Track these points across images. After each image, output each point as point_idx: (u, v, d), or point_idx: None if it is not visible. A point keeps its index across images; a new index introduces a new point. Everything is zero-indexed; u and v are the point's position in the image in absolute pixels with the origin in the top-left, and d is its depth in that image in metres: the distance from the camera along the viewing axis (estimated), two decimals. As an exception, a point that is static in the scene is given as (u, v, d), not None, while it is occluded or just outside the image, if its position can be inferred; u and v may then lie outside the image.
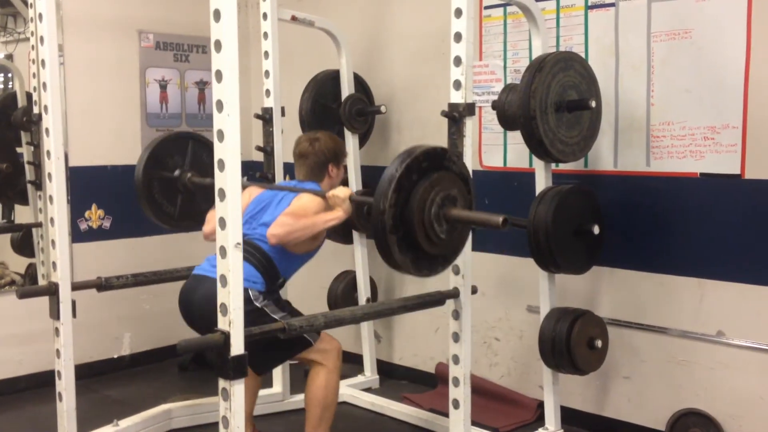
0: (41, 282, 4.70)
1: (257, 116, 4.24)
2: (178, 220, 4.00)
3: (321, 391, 3.36)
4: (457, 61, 3.19)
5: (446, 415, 3.49)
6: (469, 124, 3.19)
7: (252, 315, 3.10)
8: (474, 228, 2.97)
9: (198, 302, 3.18)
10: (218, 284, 2.45)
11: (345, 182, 4.58)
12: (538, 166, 3.64)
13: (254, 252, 3.28)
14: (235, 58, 2.36)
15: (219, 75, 2.36)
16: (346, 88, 4.50)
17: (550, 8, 3.97)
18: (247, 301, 3.12)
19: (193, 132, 4.02)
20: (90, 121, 4.81)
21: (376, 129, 4.73)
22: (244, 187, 3.49)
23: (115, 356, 5.02)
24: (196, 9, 4.77)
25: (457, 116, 3.19)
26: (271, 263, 3.31)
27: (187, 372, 4.98)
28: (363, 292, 4.61)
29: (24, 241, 4.89)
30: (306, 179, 3.56)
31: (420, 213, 2.63)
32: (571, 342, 3.48)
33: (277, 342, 3.18)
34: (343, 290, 4.68)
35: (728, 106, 3.43)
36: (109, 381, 4.82)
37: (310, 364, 3.42)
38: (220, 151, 2.40)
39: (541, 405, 3.95)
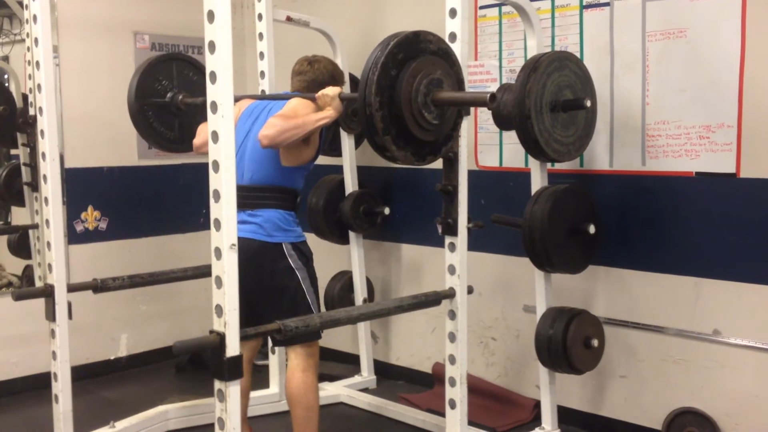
0: (38, 284, 4.69)
1: (253, 117, 4.23)
2: (180, 142, 3.98)
3: (300, 391, 3.30)
4: (452, 61, 3.19)
5: (443, 415, 3.49)
6: (465, 124, 3.19)
7: (284, 273, 3.26)
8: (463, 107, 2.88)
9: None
10: (213, 286, 2.44)
11: (341, 184, 4.59)
12: (534, 165, 3.64)
13: (266, 193, 3.29)
14: (229, 59, 2.36)
15: (213, 76, 2.36)
16: (346, 88, 4.50)
17: (545, 8, 3.97)
18: (281, 256, 3.28)
19: (175, 53, 3.95)
20: (85, 123, 4.81)
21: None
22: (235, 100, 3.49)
23: (112, 358, 5.02)
24: (191, 10, 4.75)
25: (452, 116, 3.18)
26: (284, 189, 3.33)
27: (184, 373, 4.98)
28: (359, 293, 4.61)
29: (20, 243, 4.89)
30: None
31: (408, 106, 2.57)
32: (568, 341, 3.48)
33: (298, 307, 3.26)
34: (339, 291, 4.68)
35: (723, 105, 3.44)
36: (105, 382, 4.81)
37: (291, 352, 3.36)
38: (214, 152, 2.39)
39: (537, 404, 3.96)
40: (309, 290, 3.35)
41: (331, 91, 3.21)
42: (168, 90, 3.85)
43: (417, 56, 2.62)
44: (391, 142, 2.59)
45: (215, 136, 2.38)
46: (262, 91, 4.18)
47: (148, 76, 3.84)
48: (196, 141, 3.52)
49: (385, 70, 2.52)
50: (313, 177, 4.75)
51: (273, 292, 3.31)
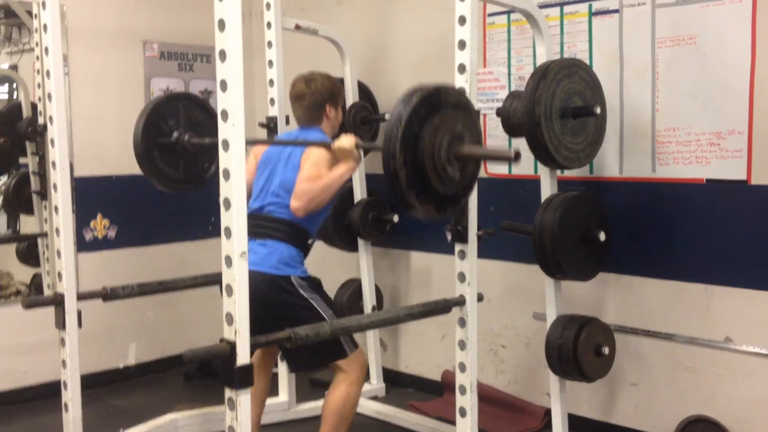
0: (47, 292, 4.70)
1: (261, 125, 4.24)
2: (184, 183, 3.96)
3: (340, 402, 3.33)
4: (462, 68, 3.19)
5: (453, 423, 3.48)
6: (474, 132, 3.18)
7: (300, 307, 3.22)
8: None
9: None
10: (224, 294, 2.44)
11: (349, 191, 4.59)
12: (544, 172, 3.63)
13: (278, 225, 3.28)
14: (239, 67, 2.36)
15: (224, 84, 2.36)
16: (351, 96, 4.51)
17: (554, 15, 3.97)
18: (292, 289, 3.25)
19: (182, 92, 3.94)
20: (95, 131, 4.82)
21: (381, 137, 4.72)
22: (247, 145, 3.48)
23: (121, 366, 5.02)
24: (200, 19, 4.78)
25: (461, 123, 3.18)
26: (298, 229, 3.32)
27: (193, 381, 4.97)
28: (368, 300, 4.60)
29: (29, 251, 4.89)
30: (305, 122, 3.53)
31: (431, 162, 2.56)
32: (578, 349, 3.46)
33: (317, 346, 3.17)
34: (348, 298, 4.67)
35: (733, 111, 3.42)
36: (115, 391, 4.81)
37: (335, 370, 3.39)
38: (224, 160, 2.39)
39: (548, 412, 3.94)
40: (327, 314, 3.31)
41: (347, 143, 3.18)
42: (174, 129, 3.86)
43: (438, 110, 2.64)
44: (415, 198, 2.61)
45: (226, 144, 2.38)
46: (271, 100, 4.18)
47: (155, 116, 3.82)
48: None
49: (409, 126, 2.55)
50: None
51: (287, 320, 3.29)
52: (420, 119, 2.56)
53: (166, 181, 3.89)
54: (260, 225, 3.27)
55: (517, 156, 2.51)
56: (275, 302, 3.23)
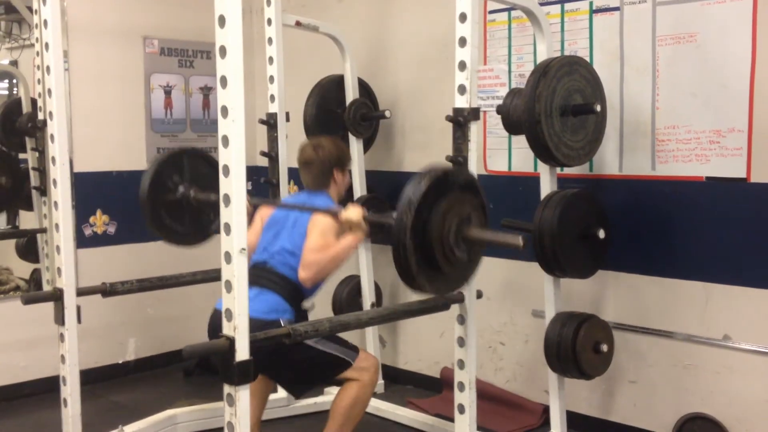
0: (46, 287, 4.70)
1: (262, 121, 4.24)
2: (191, 237, 3.99)
3: (349, 402, 3.34)
4: (462, 65, 3.19)
5: (452, 420, 3.48)
6: (474, 129, 3.18)
7: (287, 347, 3.11)
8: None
9: None
10: (223, 290, 2.44)
11: (349, 188, 4.58)
12: (543, 170, 3.63)
13: (276, 279, 3.27)
14: (239, 63, 2.36)
15: (224, 81, 2.36)
16: (351, 93, 4.51)
17: (555, 12, 3.97)
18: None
19: (185, 148, 3.99)
20: (95, 127, 4.82)
21: (381, 134, 4.73)
22: (254, 209, 3.53)
23: (120, 361, 5.03)
24: (200, 15, 4.78)
25: (461, 121, 3.19)
26: (294, 287, 3.30)
27: (192, 377, 4.98)
28: (368, 297, 4.60)
29: (29, 247, 4.90)
30: (312, 187, 3.54)
31: (440, 245, 2.65)
32: (577, 346, 3.47)
33: (316, 366, 3.27)
34: (347, 295, 4.67)
35: (734, 109, 3.43)
36: (114, 386, 4.82)
37: (346, 380, 3.41)
38: (224, 156, 2.39)
39: (546, 409, 3.94)
40: (323, 342, 3.30)
41: (355, 216, 3.16)
42: (179, 184, 3.88)
43: (446, 193, 2.69)
44: (426, 281, 2.69)
45: (225, 140, 2.38)
46: (271, 96, 4.18)
47: (160, 174, 3.85)
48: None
49: (418, 213, 2.61)
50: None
51: (286, 363, 3.32)
52: (429, 204, 2.63)
53: (173, 235, 3.91)
54: (259, 275, 3.27)
55: (526, 243, 2.61)
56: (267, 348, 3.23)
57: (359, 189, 4.57)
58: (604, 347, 3.55)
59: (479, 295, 3.35)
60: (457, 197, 2.71)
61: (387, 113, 4.53)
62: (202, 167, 3.91)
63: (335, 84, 4.55)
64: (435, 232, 2.63)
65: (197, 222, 3.94)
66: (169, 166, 3.88)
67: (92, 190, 4.82)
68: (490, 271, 4.14)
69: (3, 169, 4.80)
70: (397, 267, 2.67)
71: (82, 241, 4.76)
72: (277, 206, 3.59)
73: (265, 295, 3.21)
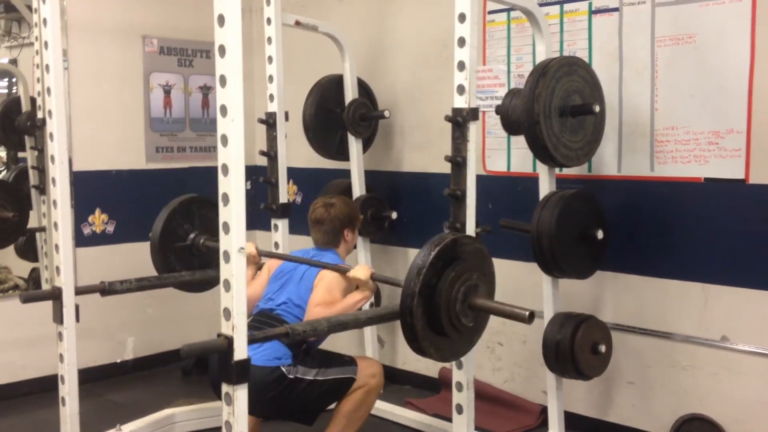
0: (45, 286, 4.70)
1: (261, 121, 4.24)
2: (198, 285, 4.03)
3: (353, 406, 3.38)
4: (461, 65, 3.19)
5: (450, 420, 3.48)
6: (473, 129, 3.18)
7: (290, 388, 3.25)
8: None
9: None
10: (221, 289, 2.44)
11: (348, 187, 4.59)
12: (542, 170, 3.63)
13: (278, 325, 3.27)
14: (239, 63, 2.36)
15: (223, 80, 2.36)
16: (350, 93, 4.50)
17: (554, 13, 3.97)
18: (282, 378, 3.25)
19: (193, 196, 4.05)
20: (94, 126, 4.82)
21: (380, 133, 4.73)
22: (259, 256, 3.62)
23: (119, 361, 5.03)
24: (200, 14, 4.78)
25: (460, 121, 3.18)
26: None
27: (191, 376, 4.98)
28: (366, 297, 4.60)
29: (28, 246, 4.89)
30: (322, 245, 3.60)
31: (446, 313, 2.69)
32: (575, 347, 3.47)
33: (323, 395, 3.31)
34: (346, 295, 4.67)
35: (732, 110, 3.43)
36: (112, 385, 4.82)
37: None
38: (223, 155, 2.39)
39: (544, 410, 3.95)
40: (317, 374, 3.33)
41: (363, 274, 3.25)
42: (189, 232, 3.93)
43: (454, 260, 2.73)
44: (430, 347, 2.72)
45: (224, 139, 2.38)
46: (270, 95, 4.18)
47: (171, 221, 3.93)
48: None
49: (426, 280, 2.65)
50: (321, 181, 4.77)
51: (289, 405, 3.35)
52: (437, 271, 2.67)
53: (182, 284, 3.94)
54: (264, 322, 3.31)
55: (531, 317, 2.66)
56: (270, 391, 3.25)
57: (358, 189, 4.57)
58: (603, 348, 3.55)
59: (478, 295, 3.34)
60: (465, 266, 2.74)
61: (386, 113, 4.53)
62: (210, 212, 3.97)
63: (334, 84, 4.54)
64: (442, 299, 2.67)
65: (205, 269, 4.01)
66: (180, 214, 3.98)
67: (91, 189, 4.82)
68: (489, 271, 4.15)
69: (10, 203, 4.79)
70: (403, 331, 2.71)
71: (81, 240, 4.76)
72: (285, 259, 3.63)
73: (269, 343, 3.23)
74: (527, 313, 2.66)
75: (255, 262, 3.71)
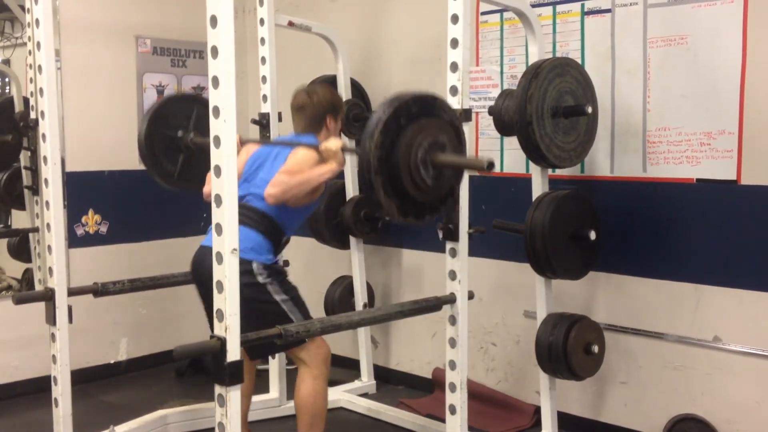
0: (38, 287, 4.69)
1: (254, 121, 4.24)
2: (177, 179, 3.96)
3: (309, 400, 3.32)
4: (454, 66, 3.20)
5: (443, 420, 3.49)
6: (466, 130, 3.18)
7: (251, 289, 3.09)
8: (462, 170, 2.90)
9: (208, 273, 3.11)
10: (215, 290, 2.44)
11: (342, 190, 4.59)
12: (535, 171, 3.64)
13: (253, 215, 3.28)
14: (231, 64, 2.36)
15: (216, 81, 2.37)
16: (343, 94, 4.51)
17: (547, 14, 3.98)
18: (249, 273, 3.16)
19: (200, 96, 3.98)
20: (87, 127, 4.81)
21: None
22: (242, 144, 3.49)
23: (112, 361, 5.02)
24: (193, 14, 4.77)
25: (453, 121, 3.18)
26: (272, 222, 3.31)
27: (184, 377, 4.97)
28: (360, 298, 4.61)
29: (21, 246, 4.89)
30: (303, 132, 3.52)
31: (406, 156, 2.59)
32: (568, 347, 3.48)
33: (276, 319, 3.15)
34: (340, 295, 4.68)
35: (724, 111, 3.44)
36: (105, 386, 4.81)
37: (298, 362, 3.38)
38: (216, 157, 2.40)
39: (538, 410, 3.95)
40: (284, 300, 3.29)
41: (334, 144, 3.19)
42: (181, 127, 3.88)
43: (429, 116, 2.66)
44: (380, 185, 2.63)
45: (217, 141, 2.39)
46: (263, 96, 4.18)
47: (167, 109, 3.86)
48: (206, 189, 3.44)
49: (396, 114, 2.57)
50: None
51: (243, 309, 3.29)
52: (410, 115, 2.59)
53: (161, 172, 3.90)
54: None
55: (490, 166, 2.57)
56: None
57: (352, 189, 4.57)
58: (595, 348, 3.56)
59: (471, 295, 3.36)
60: (436, 123, 2.67)
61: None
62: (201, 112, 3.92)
63: (328, 84, 4.54)
64: (406, 141, 2.59)
65: (188, 168, 3.92)
66: (179, 106, 3.89)
67: (84, 190, 4.81)
68: (482, 271, 4.16)
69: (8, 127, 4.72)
70: (364, 188, 2.63)
71: (74, 240, 4.75)
72: (264, 143, 3.58)
73: (241, 232, 3.21)
74: (486, 161, 2.59)
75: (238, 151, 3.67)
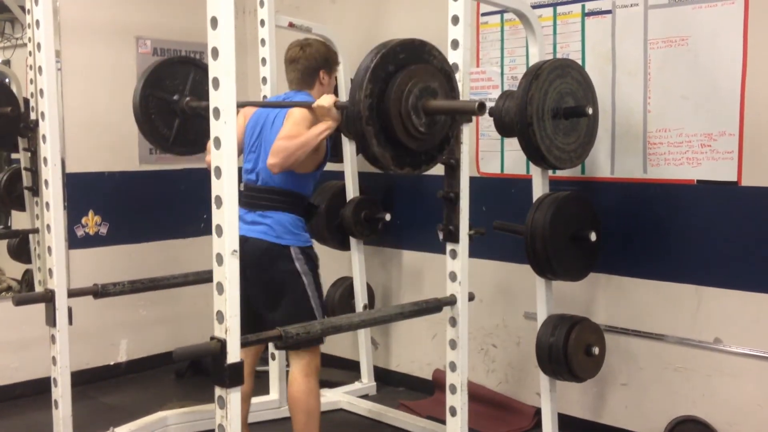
0: (38, 288, 4.68)
1: (254, 123, 4.23)
2: (172, 144, 3.98)
3: (303, 398, 3.33)
4: (454, 67, 3.19)
5: (443, 422, 3.48)
6: (466, 131, 3.18)
7: (290, 276, 3.28)
8: (452, 115, 2.84)
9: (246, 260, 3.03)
10: (215, 292, 2.44)
11: (342, 190, 4.58)
12: (535, 172, 3.64)
13: (275, 195, 3.32)
14: (232, 65, 2.36)
15: (216, 82, 2.36)
16: (344, 95, 4.50)
17: (547, 15, 3.97)
18: (287, 258, 3.30)
19: (197, 59, 3.98)
20: (87, 128, 4.81)
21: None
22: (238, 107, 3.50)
23: (112, 363, 5.01)
24: (193, 15, 4.76)
25: (454, 122, 3.18)
26: (294, 195, 3.35)
27: (184, 379, 4.97)
28: (360, 299, 4.60)
29: (21, 248, 4.88)
30: (297, 86, 3.50)
31: (397, 104, 2.56)
32: (569, 349, 3.47)
33: (297, 297, 3.31)
34: (340, 297, 4.67)
35: (725, 113, 3.44)
36: (105, 388, 4.81)
37: (291, 355, 3.39)
38: (217, 158, 2.39)
39: (538, 412, 3.95)
40: (313, 295, 3.37)
41: (326, 101, 3.15)
42: (177, 91, 3.86)
43: (418, 62, 2.63)
44: (372, 135, 2.57)
45: (217, 142, 2.38)
46: (264, 97, 4.18)
47: (164, 71, 3.86)
48: (208, 158, 3.44)
49: (384, 61, 2.51)
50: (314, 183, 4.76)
51: (277, 294, 3.32)
52: (398, 62, 2.56)
53: (156, 136, 3.90)
54: (258, 197, 3.33)
55: (481, 107, 2.55)
56: (269, 268, 3.30)
57: (352, 190, 4.57)
58: (596, 350, 3.56)
59: (471, 297, 3.35)
60: (427, 69, 2.64)
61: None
62: (207, 86, 3.92)
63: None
64: (396, 88, 2.55)
65: (183, 133, 3.94)
66: (175, 69, 3.89)
67: (84, 191, 4.81)
68: (483, 273, 4.16)
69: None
70: (348, 111, 2.59)
71: (74, 242, 4.75)
72: (258, 105, 3.58)
73: (273, 217, 3.30)
74: (476, 102, 2.57)
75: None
